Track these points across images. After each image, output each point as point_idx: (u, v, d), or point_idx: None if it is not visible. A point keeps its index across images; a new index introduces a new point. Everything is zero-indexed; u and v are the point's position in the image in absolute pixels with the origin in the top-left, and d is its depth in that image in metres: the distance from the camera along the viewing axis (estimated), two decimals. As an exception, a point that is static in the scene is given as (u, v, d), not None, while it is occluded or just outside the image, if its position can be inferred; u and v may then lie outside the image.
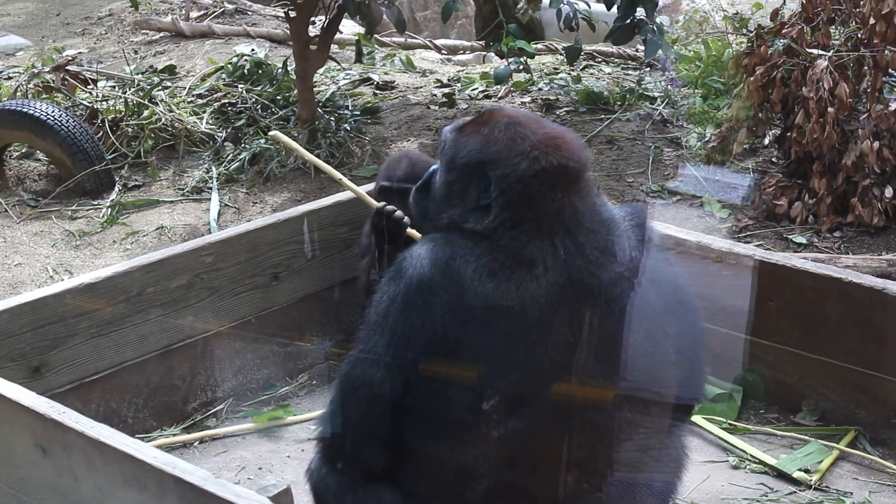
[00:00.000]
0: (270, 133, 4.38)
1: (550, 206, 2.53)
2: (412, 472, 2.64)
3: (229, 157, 6.31)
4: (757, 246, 4.85)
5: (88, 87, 6.87)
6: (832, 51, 5.45)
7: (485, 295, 2.47)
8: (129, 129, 6.48)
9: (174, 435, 3.93)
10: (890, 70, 5.39)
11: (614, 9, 6.15)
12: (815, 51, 5.45)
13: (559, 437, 2.53)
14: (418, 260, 2.53)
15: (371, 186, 4.27)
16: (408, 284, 2.52)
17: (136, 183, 6.21)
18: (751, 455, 3.74)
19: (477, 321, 2.47)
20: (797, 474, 3.62)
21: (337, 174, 3.78)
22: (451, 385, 2.50)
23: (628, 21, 6.30)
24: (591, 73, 7.68)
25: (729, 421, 3.90)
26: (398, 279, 2.55)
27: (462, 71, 7.99)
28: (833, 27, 5.65)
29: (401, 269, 2.55)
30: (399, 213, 3.59)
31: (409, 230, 3.57)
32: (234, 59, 7.32)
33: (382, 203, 3.67)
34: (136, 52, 8.63)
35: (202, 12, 9.40)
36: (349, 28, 8.59)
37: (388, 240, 3.61)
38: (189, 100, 6.89)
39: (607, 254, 2.55)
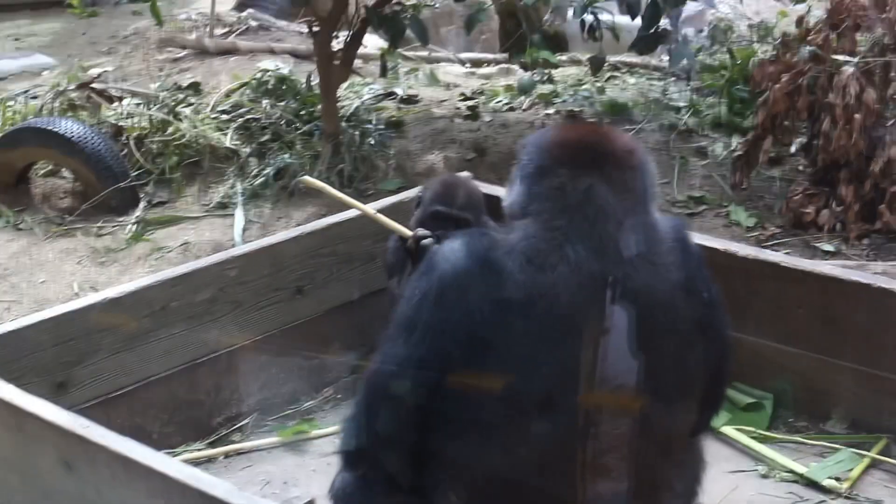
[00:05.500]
0: (299, 178, 4.36)
1: (566, 181, 2.44)
2: (441, 482, 2.59)
3: (254, 173, 6.30)
4: (785, 254, 4.80)
5: (113, 104, 6.89)
6: (858, 57, 5.41)
7: (510, 282, 2.41)
8: (154, 146, 6.48)
9: (199, 450, 3.92)
10: (917, 75, 5.37)
11: (638, 19, 6.12)
12: (841, 57, 5.42)
13: (579, 443, 2.48)
14: (441, 256, 2.51)
15: (395, 200, 4.26)
16: (429, 281, 2.50)
17: (161, 199, 6.22)
18: (780, 464, 3.70)
19: (501, 311, 2.42)
20: (827, 483, 3.59)
21: (371, 210, 3.75)
22: (483, 388, 2.46)
23: (652, 31, 6.27)
24: (616, 84, 7.65)
25: (758, 430, 3.87)
26: (423, 277, 2.53)
27: (486, 84, 7.98)
28: (859, 33, 5.61)
29: (426, 266, 2.55)
30: (430, 240, 3.54)
31: None
32: (258, 75, 7.31)
33: (417, 231, 3.62)
34: (160, 70, 8.64)
35: (226, 29, 9.41)
36: (373, 43, 8.59)
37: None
38: (213, 116, 6.89)
39: (638, 253, 2.45)
